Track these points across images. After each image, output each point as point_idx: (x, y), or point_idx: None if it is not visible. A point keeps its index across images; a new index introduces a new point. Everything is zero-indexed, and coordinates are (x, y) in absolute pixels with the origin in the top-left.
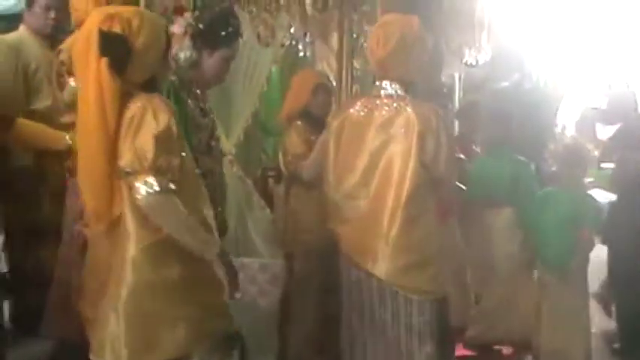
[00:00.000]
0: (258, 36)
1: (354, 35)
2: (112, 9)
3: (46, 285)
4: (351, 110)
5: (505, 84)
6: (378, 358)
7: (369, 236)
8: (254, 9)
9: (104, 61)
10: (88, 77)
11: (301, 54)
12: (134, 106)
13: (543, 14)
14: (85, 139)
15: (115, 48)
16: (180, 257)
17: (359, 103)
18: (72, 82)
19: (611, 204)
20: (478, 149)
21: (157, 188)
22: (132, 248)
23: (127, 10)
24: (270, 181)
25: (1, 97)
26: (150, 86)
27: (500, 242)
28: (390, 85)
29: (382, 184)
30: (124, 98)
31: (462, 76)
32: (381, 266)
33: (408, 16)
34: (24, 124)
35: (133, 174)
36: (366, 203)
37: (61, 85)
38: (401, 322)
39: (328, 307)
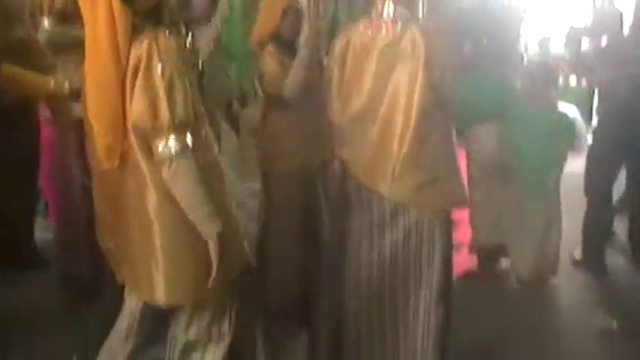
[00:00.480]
0: None
1: None
2: None
3: None
4: (354, 34)
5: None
6: (387, 281)
7: (379, 158)
8: None
9: None
10: (97, 9)
11: None
12: (140, 47)
13: None
14: (96, 74)
15: None
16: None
17: (361, 26)
18: (46, 23)
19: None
20: None
21: (177, 149)
22: (153, 188)
23: None
24: (235, 104)
25: None
26: (156, 16)
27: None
28: (393, 6)
29: (391, 106)
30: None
31: None
32: (393, 186)
33: None
34: (8, 67)
35: (148, 131)
36: (374, 125)
37: (36, 26)
38: (411, 242)
39: (307, 240)
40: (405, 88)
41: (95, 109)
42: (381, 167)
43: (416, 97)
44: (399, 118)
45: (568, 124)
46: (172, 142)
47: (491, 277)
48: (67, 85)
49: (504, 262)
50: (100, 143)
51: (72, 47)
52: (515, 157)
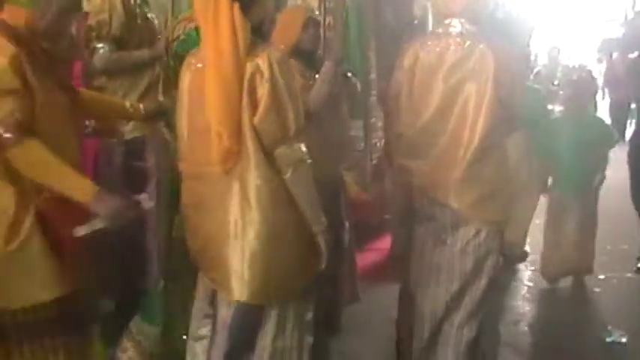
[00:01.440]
0: None
1: None
2: None
3: None
4: (423, 49)
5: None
6: (442, 287)
7: (444, 170)
8: None
9: (237, 5)
10: (219, 23)
11: None
12: (258, 59)
13: None
14: (220, 81)
15: None
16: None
17: (429, 42)
18: (100, 46)
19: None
20: None
21: (303, 153)
22: (256, 190)
23: None
24: None
25: None
26: (263, 31)
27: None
28: (460, 22)
29: (458, 120)
30: None
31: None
32: (456, 197)
33: None
34: (86, 91)
35: (276, 136)
36: (441, 138)
37: (91, 51)
38: (468, 251)
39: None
40: (473, 104)
41: (219, 116)
42: (445, 178)
43: (483, 112)
44: (465, 133)
45: (607, 130)
46: (297, 146)
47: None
48: (141, 107)
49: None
50: (221, 147)
51: (125, 72)
52: (557, 163)
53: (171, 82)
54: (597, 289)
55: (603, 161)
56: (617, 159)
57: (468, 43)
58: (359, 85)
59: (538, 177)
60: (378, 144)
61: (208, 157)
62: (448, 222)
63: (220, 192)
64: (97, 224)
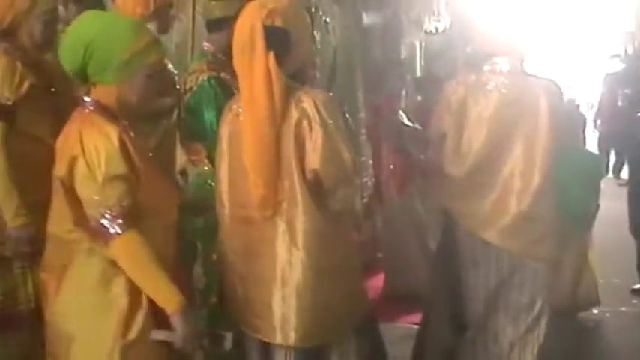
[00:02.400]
0: None
1: (312, 9)
2: (266, 2)
3: None
4: (470, 88)
5: (467, 50)
6: (500, 328)
7: (497, 211)
8: None
9: (271, 55)
10: (254, 70)
11: None
12: (302, 103)
13: None
14: (255, 129)
15: (278, 41)
16: (342, 242)
17: (477, 81)
18: None
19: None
20: None
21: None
22: (304, 233)
23: (281, 3)
24: None
25: None
26: (301, 76)
27: None
28: (507, 61)
29: (512, 162)
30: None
31: (423, 45)
32: (511, 238)
33: None
34: None
35: (337, 178)
36: (493, 180)
37: None
38: (525, 290)
39: None
40: (529, 145)
41: (255, 163)
42: (500, 220)
43: (539, 154)
44: (520, 174)
45: (599, 162)
46: (355, 186)
47: None
48: None
49: None
50: (256, 193)
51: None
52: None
53: (186, 134)
54: (591, 324)
55: (596, 192)
56: (608, 192)
57: (518, 82)
58: (352, 125)
59: None
60: (369, 183)
61: (250, 202)
62: (505, 263)
63: (267, 236)
64: (171, 337)
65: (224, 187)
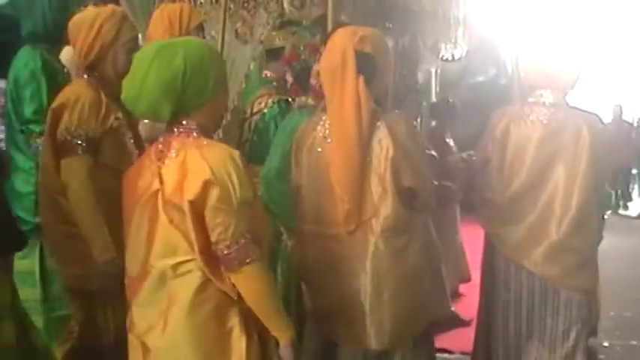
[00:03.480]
0: (237, 33)
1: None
2: (356, 29)
3: None
4: (515, 119)
5: (481, 79)
6: (531, 355)
7: (535, 238)
8: (232, 6)
9: (361, 79)
10: (345, 93)
11: None
12: (385, 127)
13: (518, 9)
14: (344, 149)
15: (367, 66)
16: (426, 249)
17: (521, 113)
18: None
19: None
20: (452, 143)
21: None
22: (392, 244)
23: (369, 31)
24: None
25: None
26: (380, 100)
27: None
28: (551, 93)
29: (551, 191)
30: None
31: (439, 72)
32: (547, 266)
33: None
34: None
35: (424, 192)
36: (533, 207)
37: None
38: (560, 321)
39: None
40: (568, 176)
41: (341, 179)
42: (535, 247)
43: (578, 185)
44: (559, 203)
45: (605, 191)
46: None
47: None
48: None
49: None
50: (342, 208)
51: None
52: None
53: (251, 156)
54: (602, 356)
55: (602, 222)
56: (620, 225)
57: (560, 114)
58: None
59: None
60: None
61: (334, 219)
62: (537, 290)
63: (355, 250)
64: None
65: (306, 206)
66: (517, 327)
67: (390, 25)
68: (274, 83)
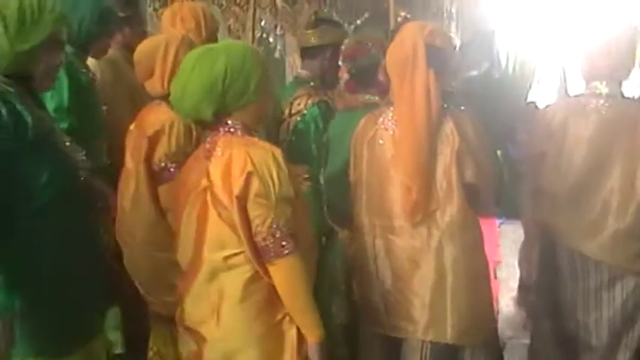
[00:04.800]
0: (229, 29)
1: None
2: (424, 24)
3: None
4: (571, 111)
5: (474, 73)
6: (603, 342)
7: (599, 226)
8: (224, 2)
9: (432, 72)
10: (415, 85)
11: (272, 46)
12: (451, 120)
13: (511, 3)
14: (414, 141)
15: (436, 60)
16: (484, 250)
17: (577, 104)
18: None
19: None
20: None
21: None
22: (455, 238)
23: (437, 26)
24: None
25: None
26: (448, 94)
27: None
28: (605, 85)
29: (614, 178)
30: None
31: None
32: (614, 253)
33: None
34: None
35: (486, 185)
36: (594, 196)
37: None
38: (628, 306)
39: None
40: (628, 164)
41: (410, 171)
42: (601, 235)
43: (638, 172)
44: (621, 191)
45: None
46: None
47: None
48: None
49: None
50: (409, 200)
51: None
52: None
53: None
54: None
55: None
56: None
57: (617, 104)
58: None
59: None
60: None
61: (396, 212)
62: (605, 278)
63: (417, 243)
64: None
65: (366, 200)
66: (586, 315)
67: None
68: (311, 83)
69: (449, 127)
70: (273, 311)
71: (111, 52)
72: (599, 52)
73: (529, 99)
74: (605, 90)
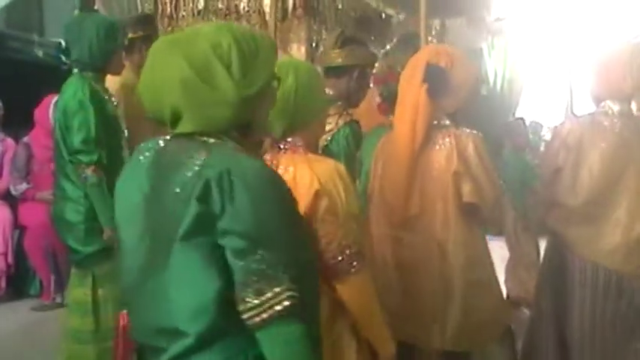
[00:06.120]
0: None
1: (313, 44)
2: (442, 47)
3: None
4: (586, 128)
5: None
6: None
7: (613, 238)
8: (214, 18)
9: (424, 87)
10: (407, 99)
11: None
12: (452, 139)
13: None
14: (397, 149)
15: (436, 79)
16: (487, 259)
17: (591, 120)
18: None
19: None
20: None
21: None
22: (454, 252)
23: (451, 49)
24: None
25: None
26: (459, 117)
27: None
28: (615, 103)
29: (627, 193)
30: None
31: None
32: (626, 263)
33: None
34: None
35: (488, 203)
36: (608, 210)
37: None
38: (638, 315)
39: None
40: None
41: (390, 177)
42: (610, 245)
43: None
44: (634, 204)
45: None
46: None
47: None
48: None
49: None
50: (392, 206)
51: None
52: None
53: None
54: None
55: None
56: None
57: (630, 122)
58: None
59: None
60: None
61: (393, 222)
62: (614, 284)
63: (420, 254)
64: None
65: (376, 211)
66: (594, 321)
67: (372, 38)
68: (339, 102)
69: (448, 146)
70: (332, 327)
71: (125, 73)
72: (608, 72)
73: (517, 115)
74: (616, 108)
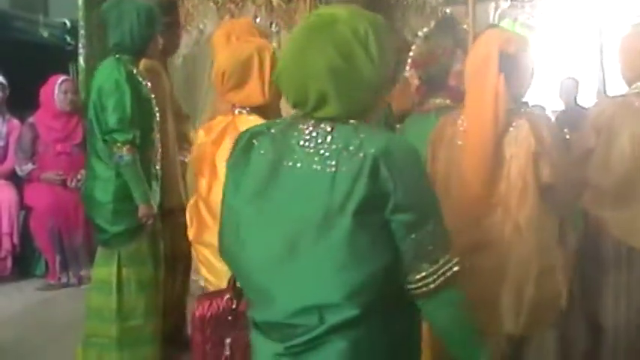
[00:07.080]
0: None
1: None
2: (504, 32)
3: None
4: (617, 109)
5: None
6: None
7: None
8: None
9: (502, 77)
10: (484, 89)
11: None
12: (525, 124)
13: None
14: (478, 138)
15: (508, 66)
16: (557, 241)
17: (622, 103)
18: None
19: None
20: None
21: None
22: (529, 234)
23: (515, 34)
24: None
25: None
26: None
27: None
28: None
29: None
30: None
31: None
32: None
33: None
34: None
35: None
36: (637, 191)
37: None
38: None
39: None
40: None
41: (474, 164)
42: None
43: None
44: None
45: None
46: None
47: None
48: None
49: None
50: (472, 193)
51: None
52: None
53: None
54: None
55: None
56: None
57: None
58: None
59: None
60: None
61: (463, 208)
62: None
63: (488, 237)
64: None
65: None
66: (629, 304)
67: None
68: None
69: (525, 129)
70: None
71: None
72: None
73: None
74: None
